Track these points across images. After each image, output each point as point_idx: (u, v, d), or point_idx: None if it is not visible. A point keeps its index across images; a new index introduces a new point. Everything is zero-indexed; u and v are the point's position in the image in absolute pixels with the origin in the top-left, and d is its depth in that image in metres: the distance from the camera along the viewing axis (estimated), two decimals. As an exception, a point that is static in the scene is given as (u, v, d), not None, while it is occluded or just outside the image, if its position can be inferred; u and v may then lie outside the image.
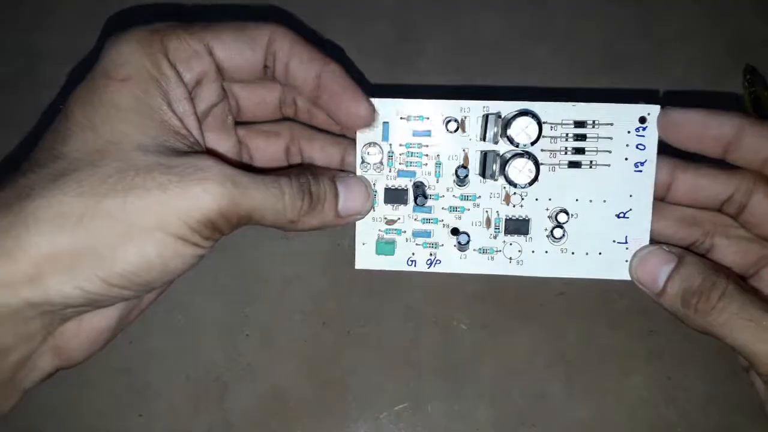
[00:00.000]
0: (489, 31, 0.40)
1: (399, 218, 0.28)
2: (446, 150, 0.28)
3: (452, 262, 0.28)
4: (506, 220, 0.28)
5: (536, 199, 0.28)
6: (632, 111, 0.27)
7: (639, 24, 0.40)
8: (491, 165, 0.27)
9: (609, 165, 0.27)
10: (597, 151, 0.27)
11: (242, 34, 0.26)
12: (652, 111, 0.27)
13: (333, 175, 0.27)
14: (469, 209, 0.28)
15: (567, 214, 0.27)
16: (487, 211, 0.28)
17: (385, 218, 0.28)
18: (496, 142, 0.27)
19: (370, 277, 0.36)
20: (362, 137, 0.28)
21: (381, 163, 0.28)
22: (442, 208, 0.28)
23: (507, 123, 0.26)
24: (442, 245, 0.28)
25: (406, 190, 0.28)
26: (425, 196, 0.28)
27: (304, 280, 0.36)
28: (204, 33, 0.25)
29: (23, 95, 0.39)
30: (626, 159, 0.27)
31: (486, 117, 0.27)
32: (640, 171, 0.27)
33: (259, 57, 0.26)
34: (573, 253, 0.28)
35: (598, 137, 0.27)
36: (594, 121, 0.27)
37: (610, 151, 0.27)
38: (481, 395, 0.35)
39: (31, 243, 0.21)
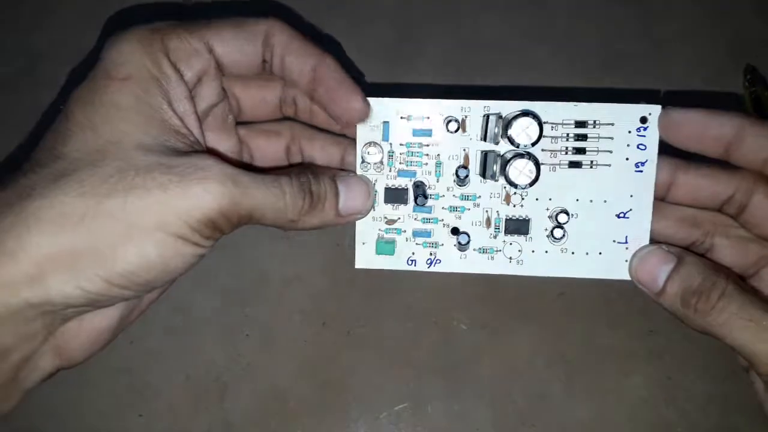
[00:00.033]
0: (489, 31, 0.40)
1: (399, 218, 0.28)
2: (446, 150, 0.28)
3: (452, 261, 0.28)
4: (506, 220, 0.28)
5: (536, 199, 0.28)
6: (633, 111, 0.27)
7: (639, 24, 0.40)
8: (492, 165, 0.27)
9: (610, 165, 0.27)
10: (598, 151, 0.27)
11: (241, 30, 0.26)
12: (653, 111, 0.27)
13: (333, 174, 0.27)
14: (469, 209, 0.28)
15: (567, 214, 0.27)
16: (487, 211, 0.28)
17: (385, 218, 0.28)
18: (496, 143, 0.27)
19: (370, 276, 0.36)
20: (363, 137, 0.28)
21: (381, 162, 0.28)
22: (443, 207, 0.28)
23: (508, 123, 0.26)
24: (442, 245, 0.28)
25: (407, 189, 0.28)
26: (425, 196, 0.28)
27: (304, 280, 0.36)
28: (204, 31, 0.25)
29: (23, 95, 0.39)
30: (627, 159, 0.27)
31: (487, 117, 0.27)
32: (641, 171, 0.27)
33: (258, 51, 0.26)
34: (573, 253, 0.28)
35: (599, 137, 0.27)
36: (595, 121, 0.27)
37: (610, 151, 0.27)
38: (481, 395, 0.35)
39: (33, 243, 0.21)
